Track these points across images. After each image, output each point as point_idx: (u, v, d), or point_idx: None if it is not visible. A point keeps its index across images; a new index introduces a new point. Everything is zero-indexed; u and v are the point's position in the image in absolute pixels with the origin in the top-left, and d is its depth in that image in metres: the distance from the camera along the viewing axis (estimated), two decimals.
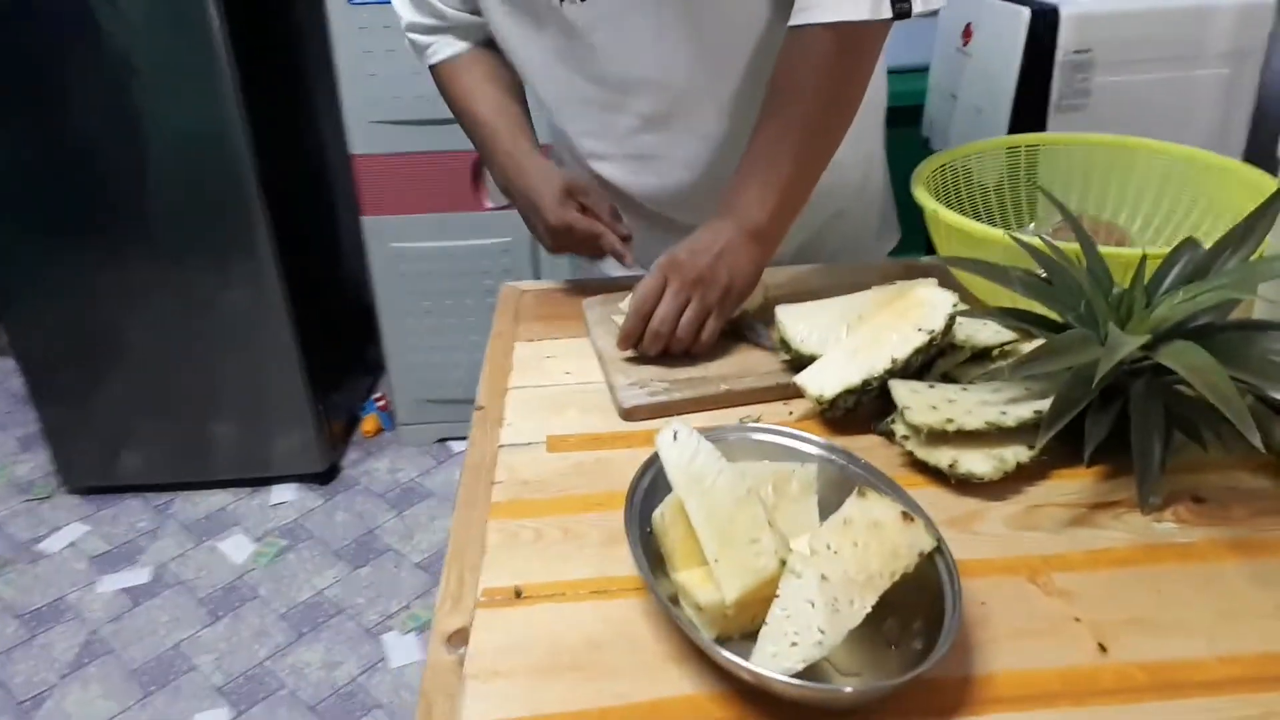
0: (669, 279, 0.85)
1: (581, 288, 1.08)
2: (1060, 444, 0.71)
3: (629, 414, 0.83)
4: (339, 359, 2.47)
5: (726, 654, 0.54)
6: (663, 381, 0.85)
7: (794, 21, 0.87)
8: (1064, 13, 1.30)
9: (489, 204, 2.13)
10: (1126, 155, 1.00)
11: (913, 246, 1.23)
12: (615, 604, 0.64)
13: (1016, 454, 0.71)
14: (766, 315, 0.90)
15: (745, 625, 0.60)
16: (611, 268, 1.18)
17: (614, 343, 0.91)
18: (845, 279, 1.01)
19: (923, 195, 0.91)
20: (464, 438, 2.36)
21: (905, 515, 0.60)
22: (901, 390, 0.76)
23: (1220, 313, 0.72)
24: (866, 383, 0.77)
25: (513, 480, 0.76)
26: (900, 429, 0.75)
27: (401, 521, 2.14)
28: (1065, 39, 1.31)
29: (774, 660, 0.55)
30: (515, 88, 1.07)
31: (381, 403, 2.50)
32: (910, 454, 0.73)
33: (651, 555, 0.63)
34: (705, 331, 0.86)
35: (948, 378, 0.81)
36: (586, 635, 0.61)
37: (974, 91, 1.44)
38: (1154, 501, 0.67)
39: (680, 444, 0.66)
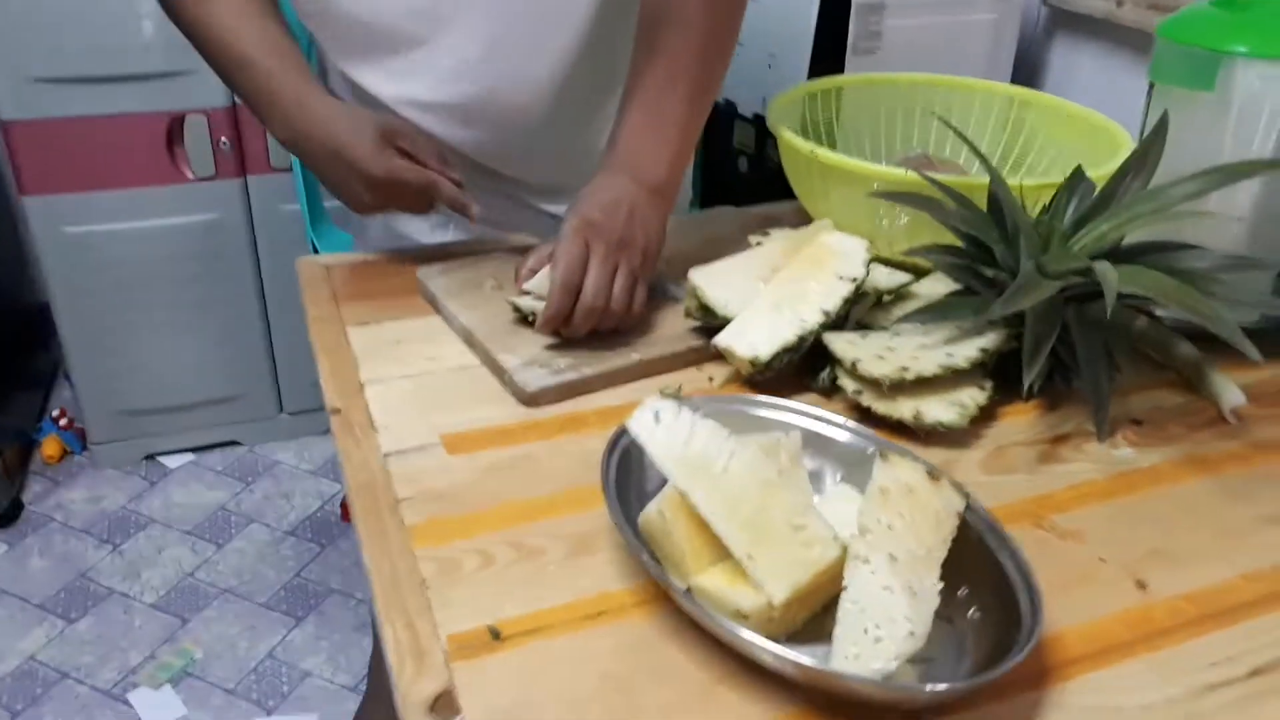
0: (590, 244, 0.73)
1: (401, 256, 0.92)
2: (995, 380, 0.70)
3: (534, 399, 0.71)
4: (3, 374, 2.03)
5: (811, 663, 0.45)
6: (564, 358, 0.74)
7: None
8: None
9: (191, 174, 1.82)
10: (945, 93, 1.01)
11: None
12: (621, 627, 0.53)
13: (974, 397, 0.68)
14: (670, 273, 0.81)
15: (790, 625, 0.52)
16: (414, 229, 1.02)
17: (486, 319, 0.77)
18: (703, 230, 0.95)
19: (792, 138, 0.86)
20: (180, 450, 2.07)
21: (931, 475, 0.55)
22: (839, 343, 0.71)
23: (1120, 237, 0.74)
24: (801, 339, 0.71)
25: (423, 495, 0.62)
26: (850, 384, 0.69)
27: (120, 558, 1.80)
28: None
29: (859, 662, 0.47)
30: (286, 25, 0.88)
31: (64, 420, 2.08)
32: (864, 408, 0.68)
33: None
34: (636, 301, 0.75)
35: (862, 325, 0.77)
36: (603, 674, 0.50)
37: (765, 40, 1.43)
38: (1106, 429, 0.67)
39: (666, 426, 0.56)
